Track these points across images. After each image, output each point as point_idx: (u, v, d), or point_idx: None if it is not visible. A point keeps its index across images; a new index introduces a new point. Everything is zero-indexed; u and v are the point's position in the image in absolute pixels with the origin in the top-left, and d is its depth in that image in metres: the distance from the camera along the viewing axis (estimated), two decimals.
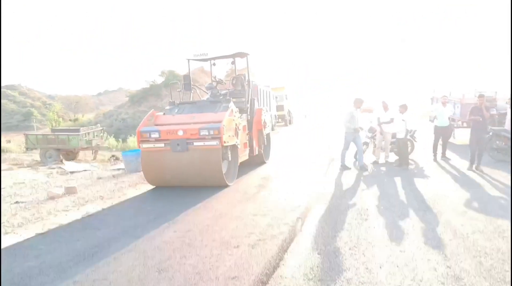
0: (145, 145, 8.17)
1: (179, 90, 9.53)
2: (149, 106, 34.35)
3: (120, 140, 24.82)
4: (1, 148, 22.85)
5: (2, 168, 14.96)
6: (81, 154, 19.15)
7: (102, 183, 10.07)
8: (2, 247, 5.18)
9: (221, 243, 4.85)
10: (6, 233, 6.02)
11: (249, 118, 10.08)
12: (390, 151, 10.74)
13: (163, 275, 3.96)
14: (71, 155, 18.30)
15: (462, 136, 14.05)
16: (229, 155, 8.53)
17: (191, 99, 10.36)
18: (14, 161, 18.18)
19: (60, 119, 52.97)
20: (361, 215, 5.95)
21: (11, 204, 8.14)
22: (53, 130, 19.77)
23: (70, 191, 8.94)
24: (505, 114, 12.06)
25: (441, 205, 6.35)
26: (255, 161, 10.98)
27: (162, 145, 8.07)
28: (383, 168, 9.93)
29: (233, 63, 10.73)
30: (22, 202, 8.21)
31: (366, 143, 11.14)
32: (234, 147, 8.73)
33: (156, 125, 8.54)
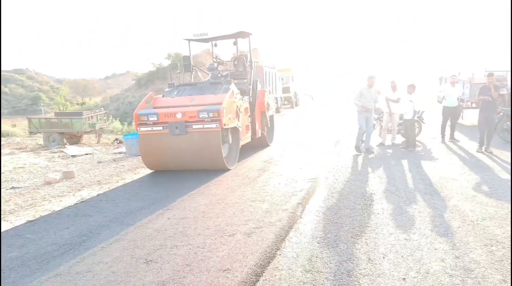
0: (143, 129, 7.91)
1: (178, 71, 9.20)
2: (156, 89, 34.03)
3: (126, 123, 24.66)
4: (7, 132, 22.82)
5: (4, 153, 14.86)
6: (85, 138, 19.01)
7: (101, 167, 9.89)
8: None
9: (215, 231, 4.60)
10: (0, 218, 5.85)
11: (251, 100, 9.75)
12: (397, 133, 10.37)
13: (151, 266, 3.73)
14: (74, 138, 18.16)
15: (471, 117, 13.60)
16: (230, 138, 8.24)
17: (192, 81, 10.04)
18: (18, 145, 18.11)
19: (68, 103, 53.09)
20: (365, 200, 5.66)
21: (6, 189, 7.97)
22: (56, 114, 19.61)
23: (67, 175, 8.76)
24: None
25: (449, 189, 6.03)
26: (258, 143, 10.69)
27: (161, 128, 7.80)
28: (390, 150, 9.59)
29: (235, 43, 10.35)
30: (18, 188, 8.04)
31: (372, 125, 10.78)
32: (235, 130, 8.44)
33: (155, 107, 8.26)
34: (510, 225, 4.44)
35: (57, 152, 14.24)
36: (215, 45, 10.39)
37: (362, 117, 9.09)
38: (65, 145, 15.71)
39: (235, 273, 3.51)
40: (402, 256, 3.73)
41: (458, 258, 3.64)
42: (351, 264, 3.62)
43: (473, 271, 3.39)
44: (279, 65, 29.49)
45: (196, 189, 6.67)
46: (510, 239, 4.03)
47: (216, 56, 10.08)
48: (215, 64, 9.73)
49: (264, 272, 3.55)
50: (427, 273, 3.38)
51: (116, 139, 17.57)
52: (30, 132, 18.02)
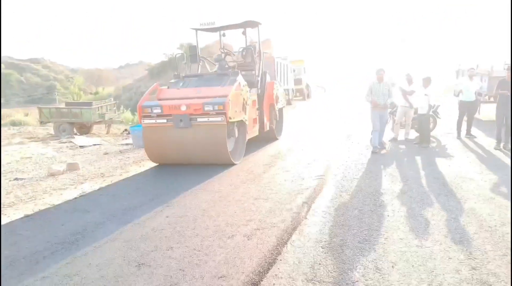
0: (146, 121, 7.69)
1: (184, 62, 8.93)
2: (168, 79, 33.90)
3: (136, 113, 24.56)
4: (19, 121, 22.92)
5: (14, 142, 14.86)
6: (95, 128, 18.97)
7: (107, 159, 9.72)
8: None
9: (214, 232, 4.35)
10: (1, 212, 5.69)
11: (259, 92, 9.45)
12: (411, 128, 9.99)
13: (142, 270, 3.50)
14: (85, 129, 18.14)
15: (489, 112, 13.08)
16: (236, 132, 7.98)
17: (199, 72, 9.78)
18: (29, 134, 18.15)
19: (81, 93, 53.36)
20: (375, 200, 5.36)
21: (9, 180, 7.85)
22: (66, 104, 19.59)
23: (72, 167, 8.60)
24: None
25: (465, 189, 5.69)
26: (266, 137, 10.41)
27: (165, 121, 7.57)
28: (403, 146, 9.23)
29: (243, 33, 10.03)
30: (21, 179, 7.91)
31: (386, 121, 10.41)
32: (241, 123, 8.16)
33: (159, 99, 8.02)
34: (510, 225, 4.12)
35: (66, 142, 14.17)
36: (223, 35, 10.09)
37: (375, 115, 8.56)
38: (74, 136, 15.64)
39: (230, 281, 3.26)
40: (413, 265, 3.44)
41: (474, 269, 3.34)
42: (356, 273, 3.34)
43: (491, 285, 3.09)
44: (292, 56, 29.02)
45: (199, 184, 6.43)
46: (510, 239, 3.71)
47: (224, 47, 9.78)
48: (223, 55, 9.44)
49: (262, 281, 3.30)
50: None
51: (125, 130, 17.47)
52: (41, 122, 18.04)
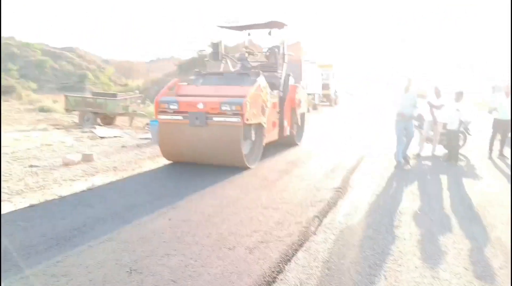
0: (162, 117, 7.53)
1: (206, 59, 8.74)
2: None
3: None
4: (48, 108, 23.25)
5: (38, 128, 15.04)
6: (119, 120, 19.03)
7: (123, 152, 9.63)
8: None
9: (215, 240, 4.11)
10: (1, 200, 5.61)
11: (281, 95, 9.16)
12: (439, 144, 9.50)
13: (133, 277, 3.28)
14: (108, 119, 18.18)
15: None
16: (253, 134, 7.73)
17: (221, 70, 9.58)
18: (54, 121, 18.37)
19: (111, 83, 54.28)
20: (392, 219, 5.00)
21: (24, 167, 7.82)
22: (92, 94, 19.72)
23: (86, 158, 8.53)
24: None
25: (492, 215, 5.27)
26: (286, 142, 10.12)
27: (181, 117, 7.38)
28: (428, 162, 8.76)
29: (269, 34, 9.77)
30: (36, 167, 7.87)
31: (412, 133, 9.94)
32: (259, 126, 7.91)
33: (178, 95, 7.85)
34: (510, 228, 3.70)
35: (88, 132, 14.22)
36: (249, 34, 9.85)
37: (400, 126, 8.10)
38: (96, 126, 15.69)
39: None
40: None
41: None
42: None
43: None
44: (321, 61, 28.60)
45: (209, 187, 6.21)
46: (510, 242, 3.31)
47: (247, 46, 9.54)
48: (246, 54, 9.20)
49: None
50: None
51: (148, 124, 17.45)
52: (66, 109, 18.20)
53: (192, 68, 9.90)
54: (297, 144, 10.47)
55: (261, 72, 8.07)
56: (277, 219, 4.82)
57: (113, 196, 5.66)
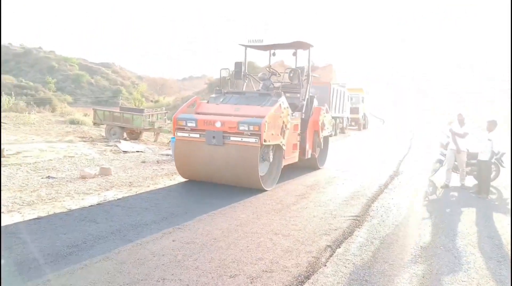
0: (179, 134, 7.43)
1: (228, 78, 8.65)
2: None
3: None
4: (77, 120, 23.80)
5: (64, 140, 15.32)
6: (145, 135, 19.23)
7: (142, 168, 9.58)
8: None
9: (217, 267, 3.86)
10: (10, 211, 5.58)
11: (303, 117, 8.94)
12: (469, 174, 8.98)
13: None
14: (134, 134, 18.41)
15: None
16: (271, 156, 7.51)
17: (244, 89, 9.46)
18: (82, 134, 18.72)
19: (143, 99, 55.47)
20: (411, 254, 4.64)
21: (42, 178, 7.85)
22: (121, 108, 20.06)
23: (104, 172, 8.51)
24: None
25: None
26: (307, 165, 9.83)
27: (198, 135, 7.26)
28: (456, 194, 8.27)
29: (294, 54, 9.63)
30: (53, 178, 7.90)
31: (440, 161, 9.48)
32: (278, 148, 7.68)
33: (197, 113, 7.76)
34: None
35: (112, 145, 14.36)
36: (273, 54, 9.74)
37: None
38: (120, 140, 15.85)
39: None
40: None
41: None
42: None
43: None
44: (350, 84, 28.31)
45: (220, 208, 5.99)
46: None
47: (270, 66, 9.41)
48: (268, 74, 9.06)
49: None
50: None
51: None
52: (94, 123, 18.55)
53: (222, 86, 9.83)
54: (320, 168, 10.15)
55: (282, 92, 7.89)
56: (286, 246, 4.54)
57: (120, 213, 5.52)
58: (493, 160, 8.19)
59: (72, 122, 23.01)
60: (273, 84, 8.91)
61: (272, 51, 9.72)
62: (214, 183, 7.54)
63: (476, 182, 8.72)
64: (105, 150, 13.00)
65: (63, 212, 5.55)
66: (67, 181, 7.71)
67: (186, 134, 7.36)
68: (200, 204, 6.20)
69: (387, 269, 4.16)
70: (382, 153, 14.51)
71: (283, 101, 7.61)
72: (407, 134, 25.02)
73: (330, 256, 4.44)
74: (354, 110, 26.96)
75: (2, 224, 4.84)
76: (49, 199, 6.28)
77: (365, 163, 11.60)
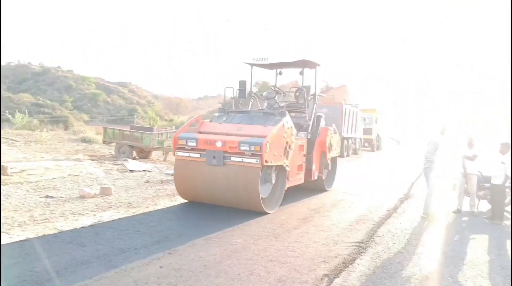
0: (180, 153, 7.23)
1: (232, 97, 8.49)
2: None
3: None
4: (89, 138, 23.93)
5: (72, 158, 15.30)
6: (154, 154, 19.15)
7: (145, 188, 9.41)
8: None
9: None
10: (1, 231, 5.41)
11: (309, 137, 8.68)
12: (483, 199, 8.55)
13: None
14: (144, 153, 18.34)
15: None
16: (273, 177, 7.26)
17: (249, 108, 9.29)
18: (92, 152, 18.75)
19: (157, 118, 55.92)
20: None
21: (40, 197, 7.73)
22: (131, 127, 20.08)
23: (104, 192, 8.35)
24: None
25: None
26: (314, 187, 9.52)
27: (198, 155, 7.06)
28: (468, 219, 7.84)
29: (301, 73, 9.45)
30: (52, 197, 7.77)
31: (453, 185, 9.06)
32: (281, 169, 7.43)
33: (199, 132, 7.58)
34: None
35: (119, 164, 14.27)
36: (280, 73, 9.57)
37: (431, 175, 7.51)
38: (128, 159, 15.77)
39: None
40: None
41: None
42: None
43: None
44: (364, 105, 28.04)
45: (217, 232, 5.73)
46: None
47: (275, 85, 9.24)
48: (273, 93, 8.88)
49: None
50: None
51: None
52: (104, 141, 18.60)
53: (236, 106, 9.69)
54: (327, 190, 9.83)
55: (287, 112, 7.68)
56: (280, 275, 4.24)
57: (111, 236, 5.30)
58: (507, 184, 7.78)
59: (84, 140, 23.14)
60: (278, 103, 8.71)
61: (279, 70, 9.57)
62: (214, 205, 7.29)
63: (490, 207, 8.28)
64: (111, 169, 12.90)
65: (53, 233, 5.36)
66: (65, 200, 7.56)
67: (186, 154, 7.17)
68: (196, 227, 5.96)
69: None
70: (394, 175, 14.11)
71: (287, 120, 7.39)
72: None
73: None
74: (367, 131, 26.58)
75: None
76: (42, 220, 6.11)
77: (375, 186, 11.23)
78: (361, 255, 5.23)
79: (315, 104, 8.97)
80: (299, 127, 8.45)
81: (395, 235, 6.26)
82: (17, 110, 29.20)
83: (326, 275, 4.35)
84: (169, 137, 18.57)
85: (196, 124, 7.81)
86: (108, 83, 79.69)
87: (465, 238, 6.45)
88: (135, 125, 23.29)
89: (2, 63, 56.33)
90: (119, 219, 6.31)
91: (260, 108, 9.45)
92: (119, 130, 18.51)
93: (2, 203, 6.92)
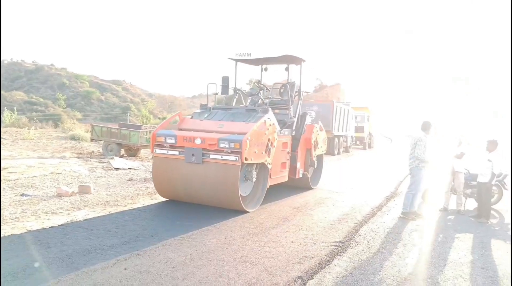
0: (158, 151, 7.03)
1: (215, 93, 8.29)
2: None
3: None
4: (78, 136, 23.63)
5: (57, 156, 15.05)
6: (143, 152, 18.91)
7: (126, 186, 9.21)
8: None
9: None
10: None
11: (294, 134, 8.50)
12: (470, 197, 8.41)
13: None
14: (132, 151, 18.10)
15: None
16: (254, 175, 7.06)
17: (233, 105, 9.11)
18: (79, 150, 18.49)
19: (151, 116, 55.62)
20: None
21: (15, 196, 7.51)
22: (119, 125, 19.82)
23: (83, 190, 8.14)
24: None
25: None
26: (299, 185, 9.35)
27: (177, 153, 6.86)
28: (451, 217, 7.70)
29: (287, 69, 9.26)
30: (28, 196, 7.55)
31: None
32: (263, 167, 7.24)
33: (180, 129, 7.39)
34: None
35: (105, 162, 14.03)
36: (265, 69, 9.38)
37: (419, 173, 7.29)
38: (114, 157, 15.51)
39: None
40: None
41: None
42: None
43: None
44: (358, 103, 27.99)
45: (192, 231, 5.54)
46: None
47: (259, 81, 9.04)
48: (257, 89, 8.68)
49: None
50: None
51: None
52: (91, 139, 18.35)
53: (229, 103, 9.46)
54: (312, 188, 9.66)
55: (270, 108, 7.49)
56: (250, 277, 4.06)
57: (79, 236, 5.09)
58: (494, 182, 7.64)
59: (73, 138, 22.85)
60: (262, 100, 8.52)
61: (264, 66, 9.37)
62: (193, 203, 7.10)
63: (476, 205, 8.14)
64: (96, 167, 12.67)
65: (19, 233, 5.15)
66: (40, 199, 7.34)
67: (165, 151, 6.96)
68: (171, 227, 5.76)
69: None
70: (383, 173, 13.97)
71: (269, 117, 7.20)
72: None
73: None
74: (359, 129, 26.47)
75: None
76: (12, 219, 5.89)
77: (362, 184, 11.07)
78: (340, 255, 5.06)
79: (300, 101, 8.78)
80: (283, 124, 8.27)
81: (377, 234, 6.10)
82: (5, 108, 28.84)
83: (299, 277, 4.17)
84: None
85: (176, 121, 7.61)
86: (102, 81, 79.15)
87: (449, 237, 6.30)
88: (123, 123, 22.96)
89: None
90: (93, 218, 6.10)
91: (245, 104, 9.26)
92: (107, 127, 18.25)
93: None
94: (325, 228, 6.18)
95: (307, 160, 9.14)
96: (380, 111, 37.30)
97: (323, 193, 9.26)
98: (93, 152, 17.78)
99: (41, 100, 55.95)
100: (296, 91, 8.82)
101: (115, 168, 12.75)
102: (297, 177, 8.77)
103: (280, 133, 7.80)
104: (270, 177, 7.51)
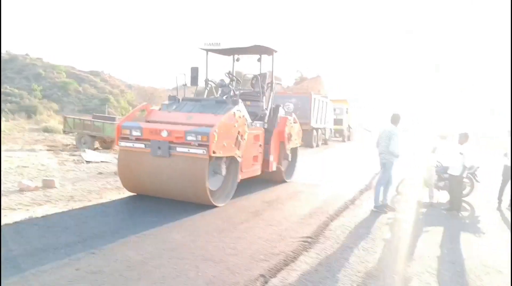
0: (123, 144, 6.75)
1: (184, 84, 8.03)
2: None
3: None
4: (51, 128, 22.97)
5: (26, 148, 14.57)
6: None
7: (95, 180, 8.90)
8: None
9: None
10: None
11: (266, 127, 8.32)
12: (443, 190, 8.40)
13: None
14: (107, 143, 17.67)
15: None
16: (223, 169, 6.86)
17: (205, 96, 8.87)
18: (52, 142, 17.97)
19: (130, 108, 54.64)
20: (359, 285, 4.00)
21: None
22: (93, 116, 19.32)
23: (47, 184, 7.82)
24: None
25: (486, 285, 4.21)
26: (273, 179, 9.20)
27: (143, 146, 6.60)
28: (423, 210, 7.67)
29: (259, 60, 9.05)
30: None
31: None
32: (233, 160, 7.05)
33: (147, 121, 7.13)
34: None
35: (77, 155, 13.63)
36: (237, 59, 9.15)
37: (390, 166, 7.23)
38: (86, 150, 15.09)
39: None
40: None
41: None
42: None
43: None
44: (335, 96, 27.99)
45: (155, 228, 5.32)
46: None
47: (229, 71, 8.82)
48: (227, 80, 8.47)
49: None
50: None
51: None
52: (64, 131, 17.85)
53: (210, 95, 9.17)
54: (286, 181, 9.52)
55: (240, 100, 7.29)
56: (210, 277, 3.89)
57: (33, 234, 4.83)
58: (465, 175, 7.62)
59: (46, 130, 22.20)
60: (233, 91, 8.30)
61: (236, 56, 9.14)
62: (161, 198, 6.87)
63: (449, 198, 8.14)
64: (66, 160, 12.28)
65: None
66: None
67: (131, 144, 6.70)
68: (133, 223, 5.53)
69: None
70: (360, 166, 13.94)
71: (239, 109, 7.00)
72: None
73: None
74: (338, 121, 26.51)
75: None
76: None
77: (337, 177, 11.00)
78: (307, 251, 4.93)
79: (272, 93, 8.60)
80: (255, 116, 8.08)
81: (347, 229, 6.00)
82: None
83: (261, 275, 4.01)
84: None
85: (143, 112, 7.34)
86: (79, 71, 77.27)
87: (419, 231, 6.24)
88: (97, 114, 22.39)
89: None
90: (52, 214, 5.82)
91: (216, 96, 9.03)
92: (80, 119, 17.75)
93: None
94: (295, 223, 6.04)
95: (281, 153, 8.99)
96: (362, 104, 37.53)
97: (296, 186, 9.13)
98: (68, 145, 17.30)
99: (16, 91, 54.37)
100: (268, 83, 8.64)
101: (86, 161, 12.37)
102: (270, 171, 8.61)
103: (252, 125, 7.62)
104: (241, 170, 7.34)
